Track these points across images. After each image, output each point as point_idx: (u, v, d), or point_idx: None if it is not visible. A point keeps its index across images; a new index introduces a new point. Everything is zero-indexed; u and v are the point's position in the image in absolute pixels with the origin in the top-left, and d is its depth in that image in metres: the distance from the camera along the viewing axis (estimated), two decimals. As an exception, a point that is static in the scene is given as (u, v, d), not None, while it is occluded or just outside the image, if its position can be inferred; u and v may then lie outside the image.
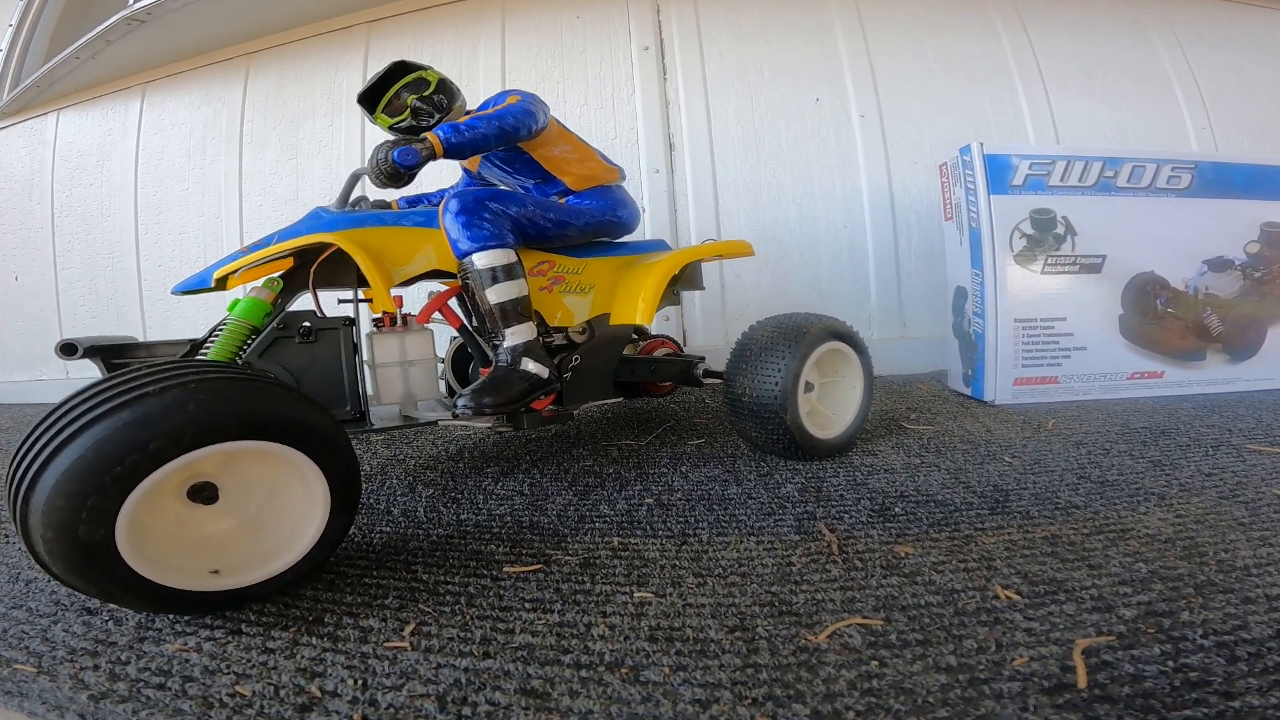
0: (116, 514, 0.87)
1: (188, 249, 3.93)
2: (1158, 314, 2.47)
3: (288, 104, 3.80)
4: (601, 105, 3.42)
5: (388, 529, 1.41)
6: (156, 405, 0.89)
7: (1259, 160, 2.55)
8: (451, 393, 2.17)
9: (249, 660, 0.89)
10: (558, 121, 1.91)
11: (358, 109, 3.49)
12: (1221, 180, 2.50)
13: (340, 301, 1.69)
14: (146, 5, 3.41)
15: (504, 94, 1.81)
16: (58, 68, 3.99)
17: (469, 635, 0.94)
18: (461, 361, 2.22)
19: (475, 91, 3.42)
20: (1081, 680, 0.77)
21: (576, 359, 1.76)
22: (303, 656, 0.90)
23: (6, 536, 1.50)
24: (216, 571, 1.02)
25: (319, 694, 0.81)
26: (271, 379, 1.06)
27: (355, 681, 0.83)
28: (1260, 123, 3.67)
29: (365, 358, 1.62)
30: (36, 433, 0.89)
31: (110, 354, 1.45)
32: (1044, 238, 2.40)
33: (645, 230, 3.22)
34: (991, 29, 3.50)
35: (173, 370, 0.96)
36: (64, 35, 4.30)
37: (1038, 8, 3.56)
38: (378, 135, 3.52)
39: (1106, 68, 3.57)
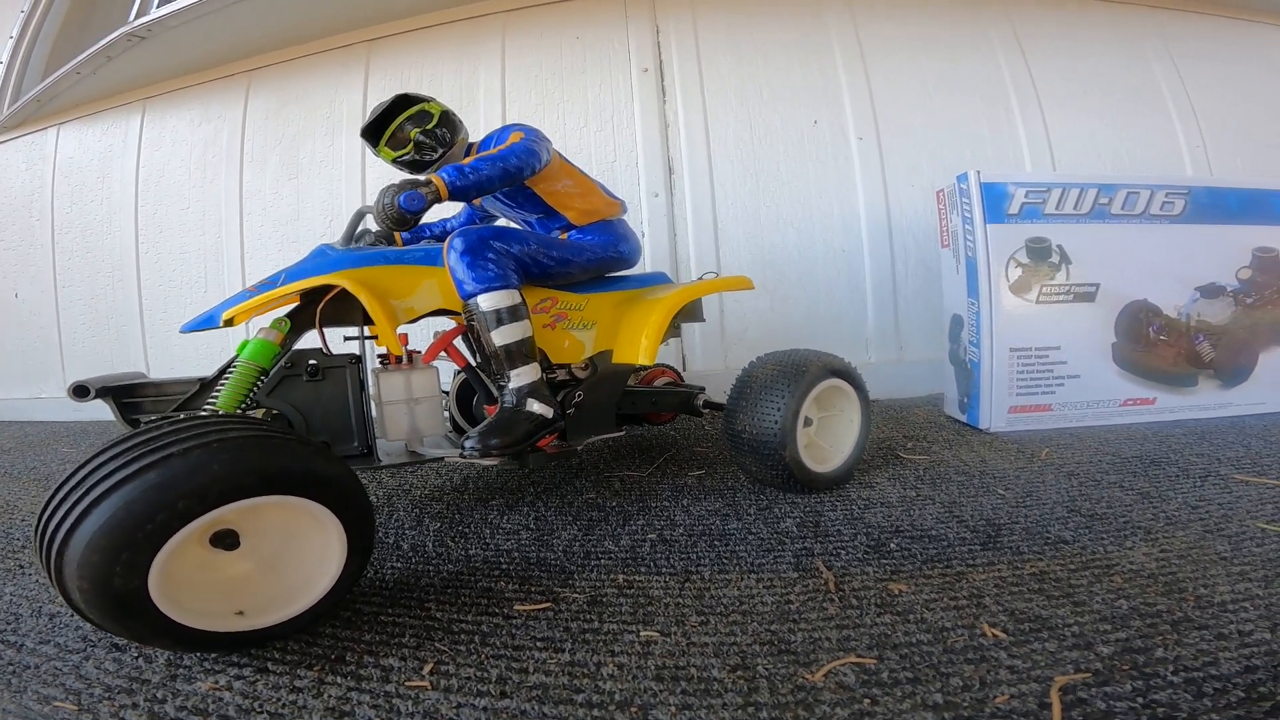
0: (149, 567, 0.90)
1: (188, 267, 3.96)
2: (1150, 341, 2.51)
3: (288, 122, 3.84)
4: (601, 127, 3.45)
5: (399, 564, 1.44)
6: (182, 466, 0.93)
7: (1251, 184, 2.59)
8: (455, 426, 2.21)
9: (279, 700, 0.93)
10: (560, 155, 1.94)
11: (358, 129, 3.56)
12: (1214, 205, 2.54)
13: (346, 339, 1.72)
14: (148, 21, 3.45)
15: (507, 130, 1.83)
16: (58, 82, 4.02)
17: (485, 675, 0.98)
18: (465, 396, 2.25)
19: (475, 112, 3.47)
20: (1056, 717, 0.81)
21: (580, 395, 1.79)
22: (330, 695, 0.93)
23: (22, 568, 1.53)
24: (241, 613, 1.06)
25: (348, 735, 0.84)
26: (290, 434, 1.10)
27: (382, 722, 0.87)
28: (1254, 140, 3.72)
29: (372, 395, 1.65)
30: (65, 489, 0.93)
31: (121, 394, 1.49)
32: (1039, 266, 2.44)
33: (646, 254, 3.26)
34: (989, 50, 3.55)
35: (195, 429, 1.00)
36: (63, 50, 4.33)
37: (1034, 28, 3.61)
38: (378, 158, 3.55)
39: (1101, 87, 3.62)
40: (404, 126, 1.85)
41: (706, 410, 2.03)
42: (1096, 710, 0.82)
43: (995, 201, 2.43)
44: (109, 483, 0.90)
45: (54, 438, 3.50)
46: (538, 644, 1.07)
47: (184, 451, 0.94)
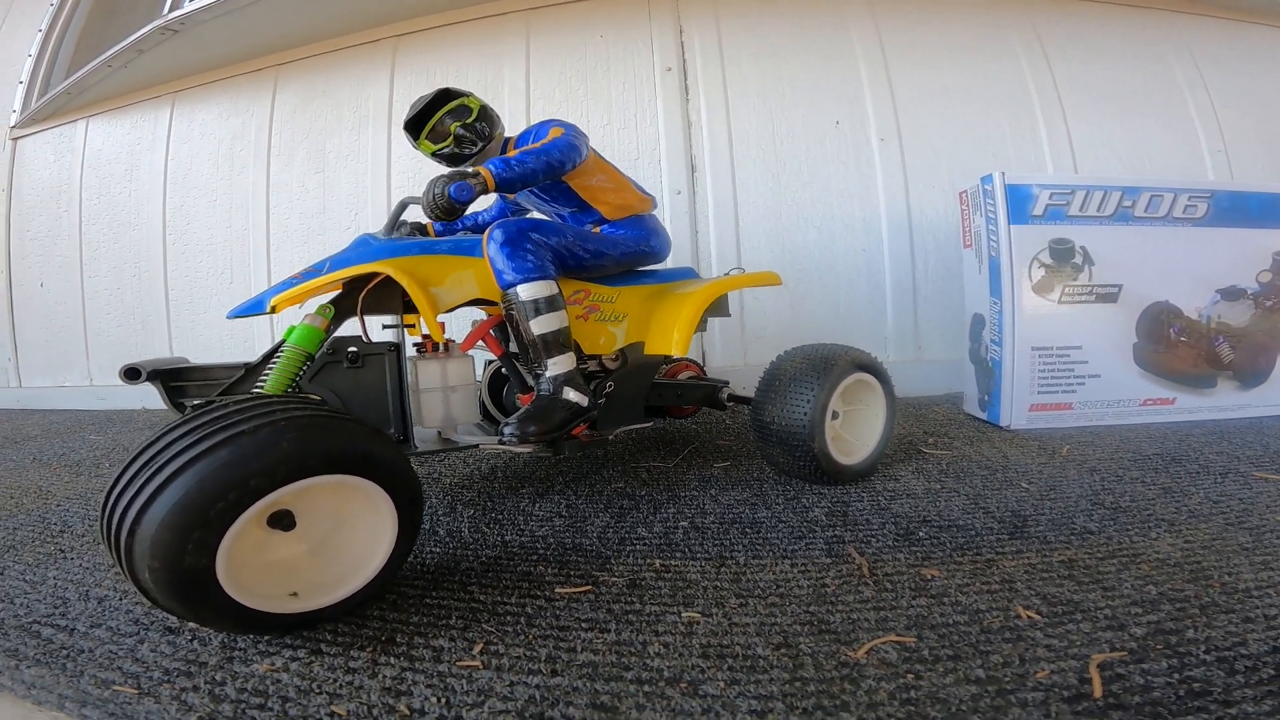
0: (218, 545, 0.93)
1: (214, 260, 4.02)
2: (1171, 342, 2.53)
3: (315, 116, 3.89)
4: (625, 125, 3.48)
5: (437, 549, 1.47)
6: (252, 444, 0.96)
7: (1274, 189, 2.60)
8: (487, 415, 2.25)
9: (336, 680, 0.95)
10: (595, 151, 1.97)
11: (384, 123, 3.63)
12: (1236, 209, 2.54)
13: (385, 327, 1.75)
14: (180, 15, 3.49)
15: (546, 125, 1.87)
16: (88, 75, 4.07)
17: (535, 654, 1.01)
18: (496, 386, 2.29)
19: (499, 109, 3.48)
20: (1097, 691, 0.85)
21: (611, 386, 1.83)
22: (385, 676, 0.96)
23: (63, 552, 1.56)
24: (295, 594, 1.09)
25: (408, 712, 0.87)
26: (348, 415, 1.13)
27: (439, 699, 0.90)
28: (1276, 146, 3.71)
29: (409, 382, 1.68)
30: (135, 468, 0.96)
31: (169, 377, 1.52)
32: (1062, 267, 2.46)
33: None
34: (1010, 53, 3.56)
35: (260, 408, 1.04)
36: (90, 43, 4.38)
37: (1057, 33, 3.61)
38: (405, 150, 3.61)
39: (1124, 91, 3.62)
40: (444, 120, 1.88)
41: (730, 404, 2.06)
42: (1135, 685, 0.85)
43: (1019, 203, 2.45)
44: (181, 460, 0.92)
45: (79, 425, 3.56)
46: (582, 624, 1.10)
47: (254, 430, 0.97)
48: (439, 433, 1.78)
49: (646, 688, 0.91)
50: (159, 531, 0.89)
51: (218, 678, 0.97)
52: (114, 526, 0.94)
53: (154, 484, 0.91)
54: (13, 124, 4.60)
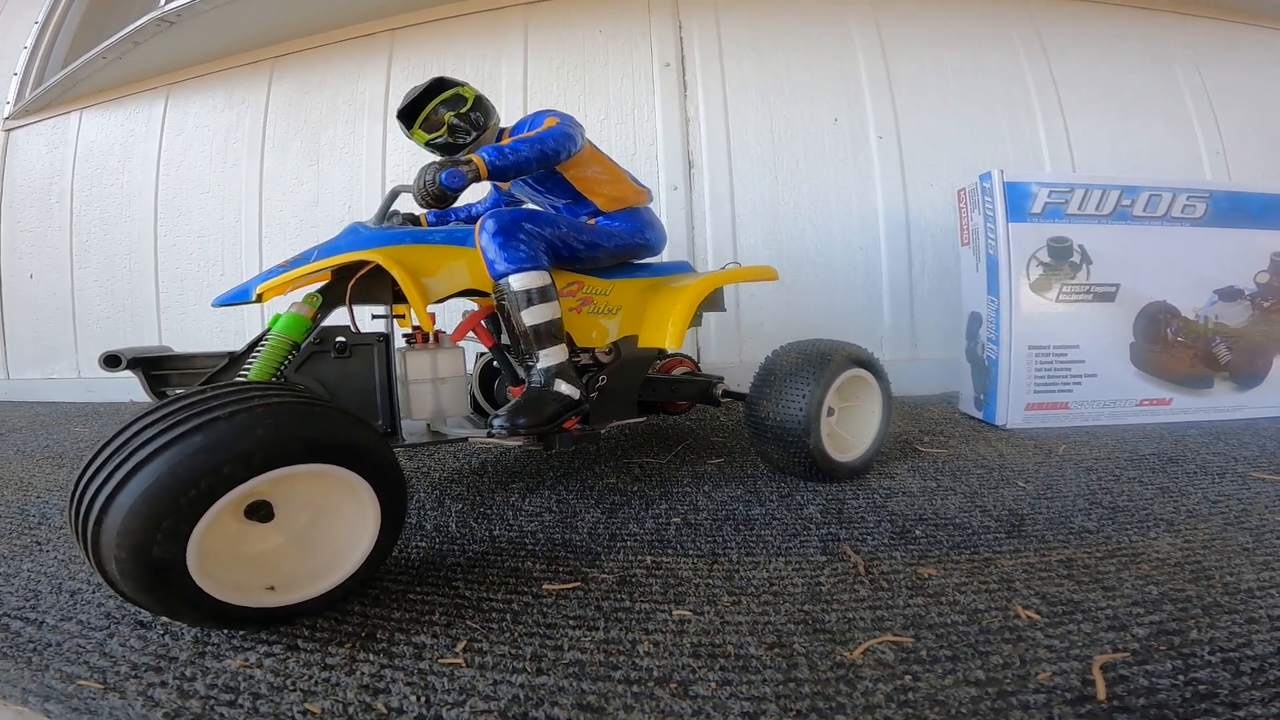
0: (189, 535, 0.90)
1: (207, 252, 3.98)
2: (1168, 342, 2.52)
3: (310, 109, 3.86)
4: (622, 120, 3.46)
5: (423, 544, 1.44)
6: (227, 430, 0.92)
7: (1272, 190, 2.59)
8: (477, 408, 2.22)
9: (311, 677, 0.92)
10: (590, 143, 1.95)
11: (380, 116, 3.61)
12: (1235, 210, 2.54)
13: (374, 317, 1.72)
14: (177, 7, 3.47)
15: (541, 115, 1.84)
16: (83, 67, 4.05)
17: (520, 652, 0.98)
18: (487, 379, 2.26)
19: (497, 103, 3.45)
20: (1101, 693, 0.82)
21: (604, 379, 1.80)
22: (363, 673, 0.93)
23: (39, 544, 1.52)
24: (272, 588, 1.06)
25: (385, 711, 0.84)
26: (331, 404, 1.10)
27: (418, 698, 0.87)
28: (1274, 147, 3.71)
29: (397, 374, 1.65)
30: (105, 455, 0.92)
31: (150, 365, 1.49)
32: (1060, 266, 2.44)
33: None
34: (1011, 52, 3.54)
35: (238, 394, 1.00)
36: (86, 35, 4.36)
37: (1058, 30, 3.60)
38: (400, 144, 3.58)
39: (1123, 90, 3.61)
40: (438, 110, 1.85)
41: (725, 399, 2.03)
42: (1140, 687, 0.83)
43: (1018, 201, 2.43)
44: (152, 446, 0.89)
45: (66, 417, 3.52)
46: (570, 622, 1.07)
47: (229, 415, 0.94)
48: (428, 425, 1.75)
49: (635, 688, 0.88)
50: (127, 520, 0.86)
51: (188, 673, 0.94)
52: (81, 515, 0.90)
53: (123, 471, 0.88)
54: (6, 115, 4.56)
